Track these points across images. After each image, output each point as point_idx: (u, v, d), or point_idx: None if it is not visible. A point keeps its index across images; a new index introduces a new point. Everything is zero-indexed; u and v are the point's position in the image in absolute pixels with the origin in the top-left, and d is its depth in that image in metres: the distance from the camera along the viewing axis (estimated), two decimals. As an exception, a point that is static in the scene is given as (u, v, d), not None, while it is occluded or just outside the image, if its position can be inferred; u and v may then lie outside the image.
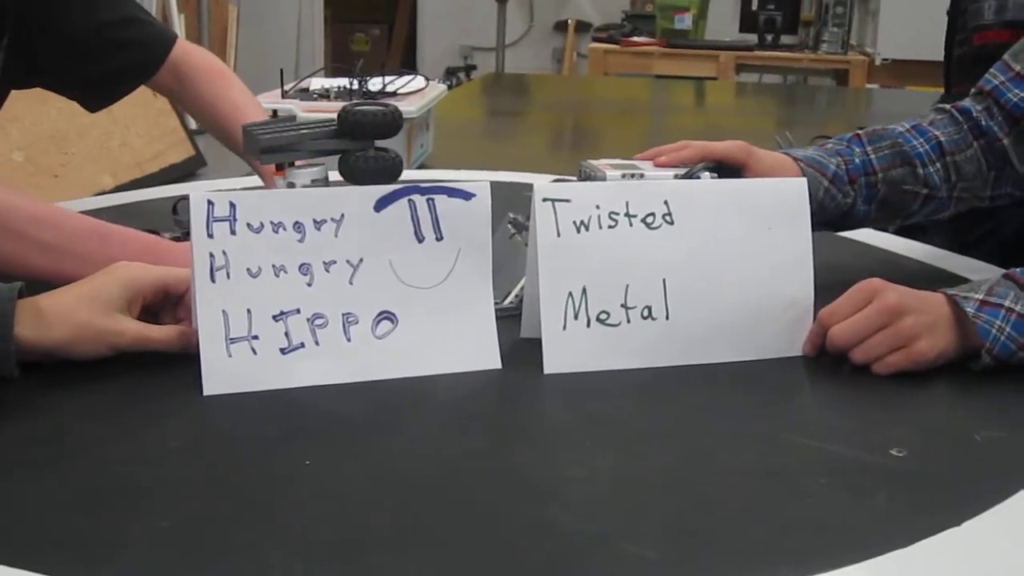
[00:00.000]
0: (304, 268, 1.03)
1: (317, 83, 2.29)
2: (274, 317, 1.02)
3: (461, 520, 0.81)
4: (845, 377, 1.09)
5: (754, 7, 5.76)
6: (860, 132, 1.37)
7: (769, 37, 5.74)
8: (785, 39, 5.81)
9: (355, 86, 2.23)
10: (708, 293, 1.11)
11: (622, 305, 1.09)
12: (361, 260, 1.04)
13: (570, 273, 1.08)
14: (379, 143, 1.11)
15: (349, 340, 1.04)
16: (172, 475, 0.87)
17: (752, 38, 5.80)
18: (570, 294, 1.08)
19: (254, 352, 1.01)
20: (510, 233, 1.27)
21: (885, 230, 1.65)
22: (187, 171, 4.91)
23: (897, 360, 1.08)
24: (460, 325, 1.07)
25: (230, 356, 1.01)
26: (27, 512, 0.81)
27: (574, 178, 1.28)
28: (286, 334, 1.03)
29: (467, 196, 1.06)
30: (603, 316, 1.08)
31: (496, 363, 1.08)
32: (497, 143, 3.26)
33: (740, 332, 1.12)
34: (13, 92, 1.52)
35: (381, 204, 1.05)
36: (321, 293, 1.03)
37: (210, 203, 1.00)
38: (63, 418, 0.96)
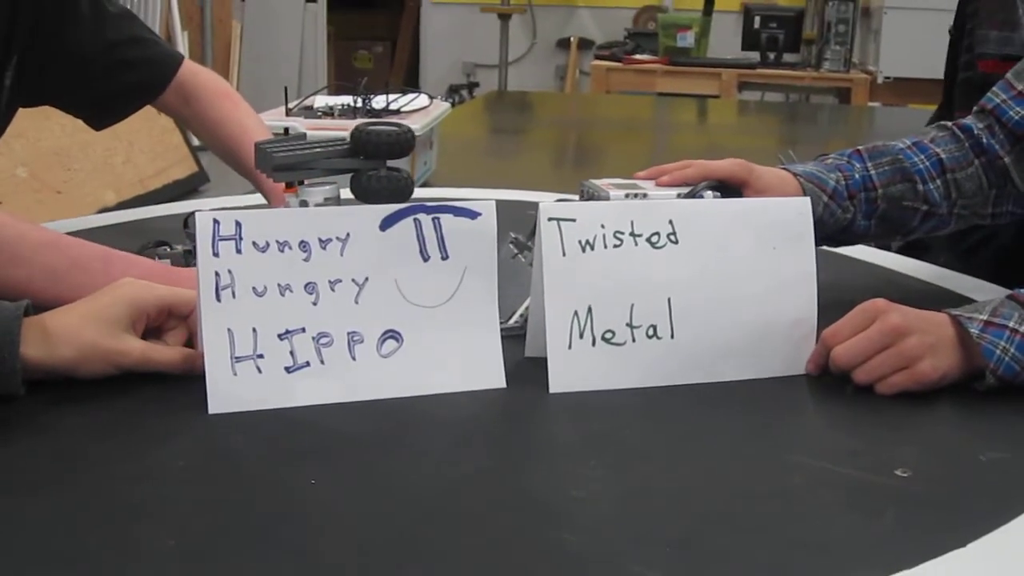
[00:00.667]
0: (309, 287, 1.03)
1: (321, 101, 2.30)
2: (279, 336, 1.02)
3: (467, 540, 0.81)
4: (849, 397, 1.09)
5: (756, 25, 5.77)
6: (861, 148, 1.38)
7: (771, 55, 5.75)
8: (787, 57, 5.81)
9: (359, 104, 2.23)
10: (713, 312, 1.11)
11: (627, 324, 1.09)
12: (367, 279, 1.05)
13: (575, 292, 1.08)
14: (390, 162, 1.11)
15: (354, 359, 1.04)
16: (177, 493, 0.87)
17: (754, 56, 5.81)
18: (575, 313, 1.08)
19: (259, 371, 1.02)
20: (512, 253, 1.27)
21: (887, 247, 1.66)
22: (190, 187, 4.91)
23: (900, 380, 1.08)
24: (465, 344, 1.08)
25: (235, 375, 1.01)
26: (31, 529, 0.81)
27: (576, 198, 1.29)
28: (291, 353, 1.03)
29: (473, 215, 1.07)
30: (608, 335, 1.09)
31: (501, 382, 1.08)
32: (499, 161, 3.27)
33: (744, 351, 1.12)
34: (19, 109, 1.52)
35: (387, 223, 1.05)
36: (326, 312, 1.04)
37: (216, 222, 1.00)
38: (68, 436, 0.96)
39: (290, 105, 2.22)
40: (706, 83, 5.60)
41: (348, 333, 1.04)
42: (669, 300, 1.10)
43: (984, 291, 1.42)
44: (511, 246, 1.29)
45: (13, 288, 1.12)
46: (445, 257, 1.07)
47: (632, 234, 1.09)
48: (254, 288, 1.02)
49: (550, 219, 1.07)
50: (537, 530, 0.83)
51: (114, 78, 1.55)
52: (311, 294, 1.03)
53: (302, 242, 1.03)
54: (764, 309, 1.13)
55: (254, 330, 1.02)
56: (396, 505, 0.86)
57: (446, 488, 0.89)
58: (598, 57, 6.26)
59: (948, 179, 1.35)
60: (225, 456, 0.96)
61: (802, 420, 1.09)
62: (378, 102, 2.26)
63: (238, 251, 1.01)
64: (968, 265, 1.57)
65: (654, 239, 1.10)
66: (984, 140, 1.36)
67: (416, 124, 2.15)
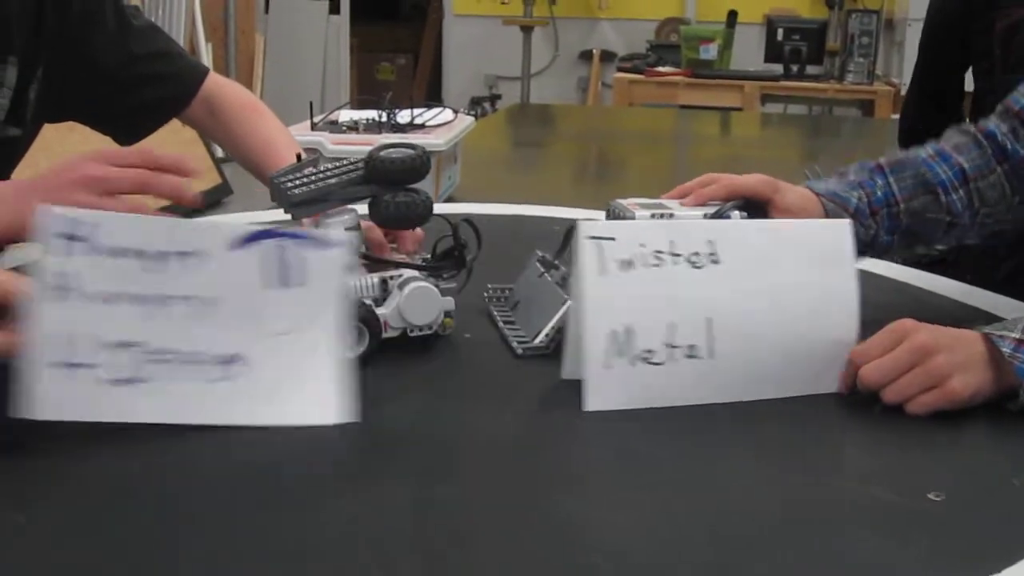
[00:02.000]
0: (152, 300, 0.97)
1: (346, 115, 2.29)
2: (112, 346, 0.96)
3: (497, 561, 0.81)
4: (880, 417, 1.08)
5: (779, 37, 5.77)
6: (882, 162, 1.37)
7: (795, 67, 5.74)
8: (810, 69, 5.81)
9: (384, 119, 2.23)
10: (752, 333, 1.10)
11: (666, 344, 1.08)
12: (213, 299, 0.99)
13: (614, 311, 1.07)
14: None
15: (191, 380, 0.99)
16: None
17: (777, 68, 5.81)
18: (614, 332, 1.07)
19: (85, 380, 0.95)
20: (539, 272, 1.27)
21: (917, 261, 1.65)
22: (214, 199, 4.94)
23: (931, 399, 1.07)
24: (309, 375, 1.02)
25: (55, 380, 0.94)
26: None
27: (602, 216, 1.28)
28: (123, 365, 0.96)
29: (327, 246, 1.02)
30: (647, 355, 1.08)
31: (340, 416, 1.02)
32: (523, 174, 3.26)
33: (782, 371, 1.11)
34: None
35: (239, 244, 1.00)
36: (166, 328, 0.98)
37: (61, 219, 0.94)
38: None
39: (315, 119, 2.22)
40: (729, 95, 5.60)
41: (187, 352, 0.99)
42: (709, 320, 1.09)
43: (1012, 309, 1.41)
44: (538, 264, 1.28)
45: None
46: (294, 284, 1.01)
47: (672, 254, 1.08)
48: (92, 293, 0.95)
49: (589, 237, 1.07)
50: (567, 553, 0.82)
51: (139, 92, 1.55)
52: (153, 307, 0.97)
53: (150, 252, 0.96)
54: (804, 330, 1.12)
55: (84, 336, 0.95)
56: (426, 524, 0.86)
57: (477, 508, 0.89)
58: (620, 69, 6.27)
59: (971, 188, 1.35)
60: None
61: (835, 440, 1.09)
62: (403, 116, 2.26)
63: (81, 252, 0.94)
64: (996, 283, 1.56)
65: (694, 259, 1.09)
66: (1008, 146, 1.35)
67: (440, 139, 2.15)
